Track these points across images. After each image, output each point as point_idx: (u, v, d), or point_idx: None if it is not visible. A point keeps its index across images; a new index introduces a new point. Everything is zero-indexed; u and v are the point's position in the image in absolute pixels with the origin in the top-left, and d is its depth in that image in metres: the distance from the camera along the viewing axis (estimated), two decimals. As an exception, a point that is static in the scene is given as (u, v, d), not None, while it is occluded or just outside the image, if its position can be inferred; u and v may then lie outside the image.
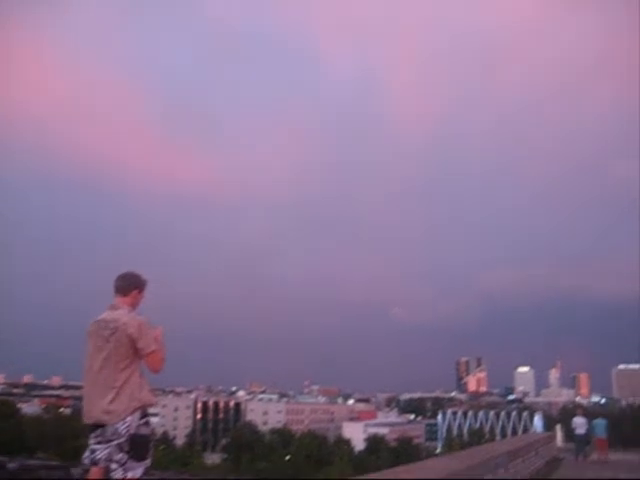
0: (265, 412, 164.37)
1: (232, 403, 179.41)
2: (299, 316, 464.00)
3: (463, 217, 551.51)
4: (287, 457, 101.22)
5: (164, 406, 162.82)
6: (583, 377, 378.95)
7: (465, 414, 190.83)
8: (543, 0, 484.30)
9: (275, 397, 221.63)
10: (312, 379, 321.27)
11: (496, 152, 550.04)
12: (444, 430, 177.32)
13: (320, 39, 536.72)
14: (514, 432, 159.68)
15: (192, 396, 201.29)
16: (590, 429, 26.88)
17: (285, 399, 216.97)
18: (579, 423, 28.31)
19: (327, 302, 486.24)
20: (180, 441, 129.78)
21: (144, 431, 5.42)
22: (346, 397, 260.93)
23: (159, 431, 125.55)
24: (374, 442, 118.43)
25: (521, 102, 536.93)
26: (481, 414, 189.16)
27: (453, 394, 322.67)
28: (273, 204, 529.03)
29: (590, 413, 54.35)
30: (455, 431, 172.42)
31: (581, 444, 27.65)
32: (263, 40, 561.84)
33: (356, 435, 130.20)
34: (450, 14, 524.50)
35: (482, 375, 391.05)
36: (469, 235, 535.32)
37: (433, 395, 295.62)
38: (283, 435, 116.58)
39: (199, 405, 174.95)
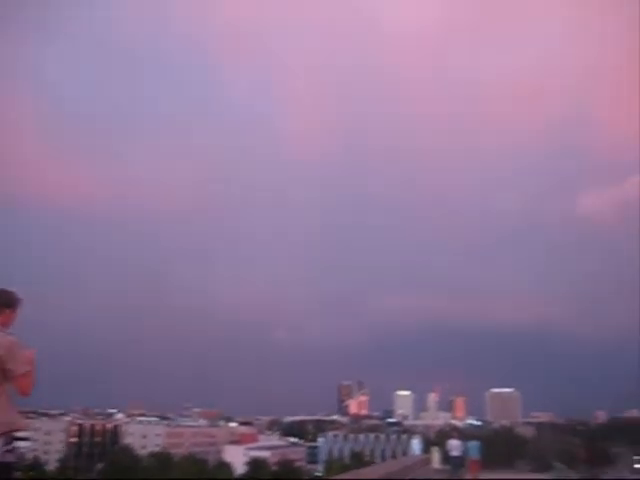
0: (144, 435, 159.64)
1: (109, 426, 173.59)
2: (182, 335, 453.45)
3: (356, 242, 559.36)
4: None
5: (36, 430, 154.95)
6: (459, 401, 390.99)
7: (346, 437, 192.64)
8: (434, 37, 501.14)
9: (155, 420, 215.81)
10: (193, 401, 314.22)
11: (394, 181, 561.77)
12: (325, 453, 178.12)
13: (221, 59, 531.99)
14: (393, 455, 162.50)
15: (67, 419, 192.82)
16: (464, 451, 27.73)
17: (165, 422, 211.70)
18: (454, 445, 29.19)
19: (211, 322, 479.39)
20: (52, 466, 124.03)
21: (8, 458, 5.08)
22: (228, 420, 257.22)
23: (29, 456, 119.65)
24: (255, 466, 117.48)
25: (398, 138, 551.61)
26: (362, 437, 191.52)
27: (335, 417, 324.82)
28: (167, 219, 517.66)
29: (465, 435, 56.19)
30: (336, 454, 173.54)
31: (456, 466, 28.49)
32: (163, 57, 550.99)
33: (237, 459, 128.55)
34: (346, 46, 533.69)
35: (363, 398, 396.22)
36: (358, 260, 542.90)
37: (315, 418, 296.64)
38: (162, 459, 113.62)
39: (74, 428, 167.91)
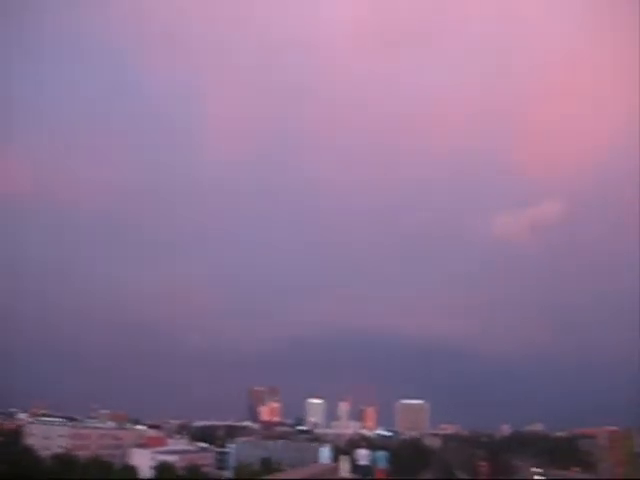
0: (47, 436, 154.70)
1: (11, 426, 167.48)
2: (88, 336, 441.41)
3: (270, 245, 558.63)
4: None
5: None
6: (370, 411, 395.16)
7: (256, 443, 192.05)
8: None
9: (60, 420, 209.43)
10: (101, 403, 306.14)
11: (309, 185, 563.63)
12: (234, 459, 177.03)
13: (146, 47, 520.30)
14: (303, 462, 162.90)
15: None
16: (372, 460, 28.25)
17: (71, 423, 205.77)
18: (362, 455, 29.73)
19: (122, 322, 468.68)
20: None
21: None
22: (136, 423, 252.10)
23: None
24: (161, 470, 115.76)
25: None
26: (272, 444, 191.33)
27: (246, 423, 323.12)
28: (69, 215, 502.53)
29: (374, 445, 57.06)
30: (245, 460, 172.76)
31: (364, 474, 29.01)
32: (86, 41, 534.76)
33: (143, 462, 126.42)
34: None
35: (276, 405, 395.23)
36: (276, 265, 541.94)
37: (226, 423, 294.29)
38: (65, 461, 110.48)
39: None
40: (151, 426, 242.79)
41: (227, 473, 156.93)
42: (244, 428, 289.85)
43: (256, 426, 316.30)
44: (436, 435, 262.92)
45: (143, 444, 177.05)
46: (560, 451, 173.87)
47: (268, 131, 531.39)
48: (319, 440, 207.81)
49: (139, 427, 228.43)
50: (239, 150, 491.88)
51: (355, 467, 29.34)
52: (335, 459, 33.15)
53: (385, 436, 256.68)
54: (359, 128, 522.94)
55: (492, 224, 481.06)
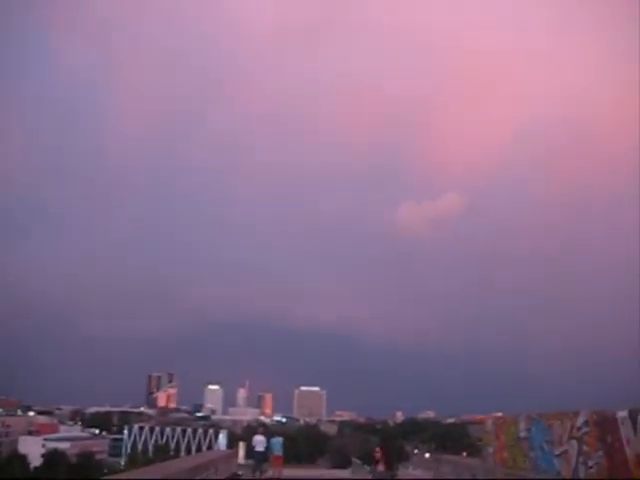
0: None
1: None
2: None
3: (170, 230, 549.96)
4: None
5: None
6: (268, 397, 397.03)
7: (152, 430, 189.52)
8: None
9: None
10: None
11: (215, 169, 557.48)
12: (129, 446, 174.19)
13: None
14: (199, 449, 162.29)
15: None
16: (268, 447, 28.62)
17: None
18: (258, 441, 30.20)
19: (14, 304, 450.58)
20: None
21: None
22: (26, 409, 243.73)
23: None
24: (53, 457, 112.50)
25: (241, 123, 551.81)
26: (168, 430, 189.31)
27: (142, 409, 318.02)
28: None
29: (272, 432, 57.60)
30: (141, 447, 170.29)
31: (259, 461, 29.46)
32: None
33: (34, 450, 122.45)
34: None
35: (173, 391, 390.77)
36: (172, 248, 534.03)
37: (121, 409, 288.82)
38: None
39: None
40: (41, 412, 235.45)
41: (121, 460, 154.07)
42: (140, 414, 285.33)
43: (152, 412, 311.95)
44: (333, 422, 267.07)
45: (33, 431, 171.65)
46: (450, 436, 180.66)
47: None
48: (216, 427, 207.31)
49: (30, 414, 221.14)
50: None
51: (251, 453, 29.70)
52: (232, 445, 33.37)
53: (282, 422, 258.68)
54: (263, 113, 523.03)
55: (397, 216, 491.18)
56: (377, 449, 37.29)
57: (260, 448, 29.66)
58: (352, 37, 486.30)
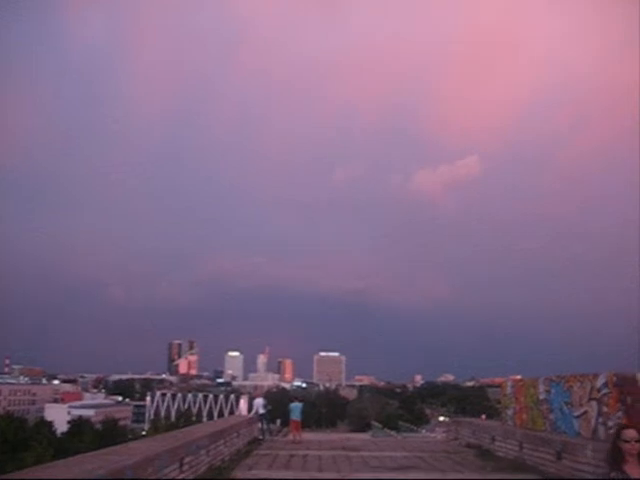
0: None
1: None
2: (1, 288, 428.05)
3: (190, 203, 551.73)
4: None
5: None
6: (288, 363, 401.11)
7: (174, 396, 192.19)
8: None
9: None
10: (13, 358, 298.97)
11: (222, 147, 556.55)
12: (152, 412, 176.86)
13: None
14: (221, 414, 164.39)
15: None
16: (290, 412, 28.96)
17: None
18: (259, 404, 30.86)
19: (32, 277, 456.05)
20: None
21: None
22: (51, 378, 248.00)
23: None
24: (78, 425, 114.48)
25: (253, 103, 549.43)
26: (190, 396, 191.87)
27: (164, 376, 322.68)
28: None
29: (292, 397, 58.30)
30: (163, 413, 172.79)
31: (263, 422, 30.20)
32: None
33: (59, 417, 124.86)
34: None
35: (193, 358, 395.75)
36: (188, 218, 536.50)
37: (143, 377, 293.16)
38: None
39: None
40: (66, 381, 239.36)
41: (144, 426, 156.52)
42: (162, 381, 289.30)
43: (174, 379, 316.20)
44: (352, 386, 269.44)
45: (58, 399, 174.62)
46: (469, 399, 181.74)
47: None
48: (237, 392, 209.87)
49: (55, 382, 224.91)
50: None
51: (256, 416, 30.30)
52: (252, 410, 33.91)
53: (302, 387, 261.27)
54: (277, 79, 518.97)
55: (414, 182, 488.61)
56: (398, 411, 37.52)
57: (262, 410, 30.39)
58: (365, 3, 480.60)
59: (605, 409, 15.21)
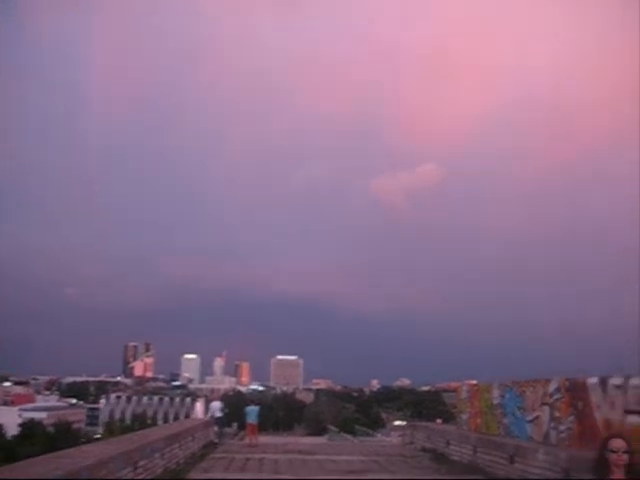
0: None
1: None
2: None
3: (149, 204, 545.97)
4: None
5: None
6: (245, 366, 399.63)
7: (129, 399, 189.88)
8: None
9: None
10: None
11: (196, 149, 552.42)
12: (107, 415, 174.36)
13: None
14: (176, 417, 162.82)
15: None
16: (244, 414, 28.86)
17: None
18: (215, 407, 30.78)
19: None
20: None
21: None
22: (2, 380, 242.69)
23: None
24: (29, 428, 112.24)
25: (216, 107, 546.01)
26: (145, 399, 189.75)
27: (119, 379, 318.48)
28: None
29: (248, 400, 58.09)
30: (118, 416, 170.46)
31: (220, 426, 30.12)
32: None
33: (10, 420, 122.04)
34: None
35: (149, 360, 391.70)
36: (149, 221, 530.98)
37: (98, 379, 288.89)
38: None
39: None
40: (18, 383, 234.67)
41: (98, 429, 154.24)
42: (117, 384, 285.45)
43: (129, 382, 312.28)
44: (309, 390, 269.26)
45: (9, 402, 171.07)
46: (425, 404, 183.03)
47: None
48: (193, 395, 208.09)
49: (6, 384, 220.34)
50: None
51: (212, 419, 30.23)
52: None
53: (259, 391, 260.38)
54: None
55: (375, 187, 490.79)
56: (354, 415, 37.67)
57: (218, 414, 30.32)
58: (326, 6, 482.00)
59: (557, 414, 15.50)
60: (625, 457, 5.65)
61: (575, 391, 14.77)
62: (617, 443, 5.73)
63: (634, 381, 12.50)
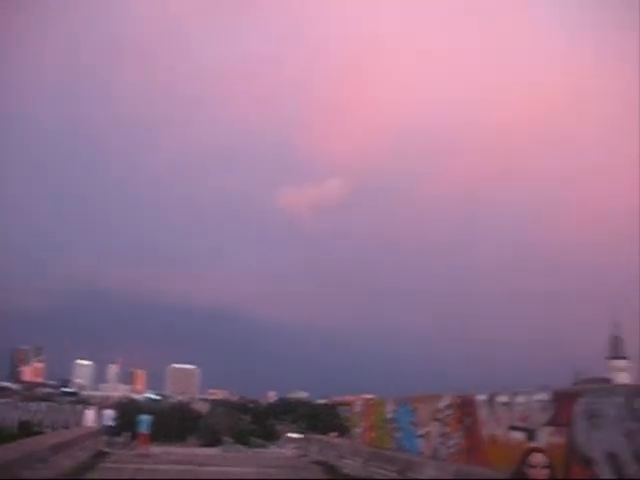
0: None
1: None
2: None
3: (45, 201, 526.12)
4: None
5: None
6: (140, 373, 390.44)
7: (16, 405, 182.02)
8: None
9: None
10: None
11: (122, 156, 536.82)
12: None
13: None
14: (66, 425, 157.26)
15: None
16: (136, 424, 28.32)
17: None
18: (108, 415, 30.14)
19: None
20: None
21: None
22: None
23: None
24: None
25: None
26: (34, 405, 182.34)
27: (6, 384, 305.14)
28: None
29: (143, 408, 56.89)
30: (4, 423, 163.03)
31: (110, 434, 29.45)
32: None
33: None
34: None
35: (40, 365, 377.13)
36: (43, 221, 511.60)
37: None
38: None
39: None
40: None
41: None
42: (3, 389, 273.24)
43: (17, 387, 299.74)
44: (205, 400, 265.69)
45: None
46: (321, 417, 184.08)
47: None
48: (85, 402, 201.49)
49: None
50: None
51: (103, 428, 29.52)
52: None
53: (154, 399, 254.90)
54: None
55: (282, 199, 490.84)
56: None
57: (110, 422, 29.71)
58: (248, 16, 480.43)
59: (447, 429, 15.96)
60: (545, 472, 5.39)
61: (465, 407, 15.26)
62: (537, 458, 5.47)
63: (519, 399, 13.05)
